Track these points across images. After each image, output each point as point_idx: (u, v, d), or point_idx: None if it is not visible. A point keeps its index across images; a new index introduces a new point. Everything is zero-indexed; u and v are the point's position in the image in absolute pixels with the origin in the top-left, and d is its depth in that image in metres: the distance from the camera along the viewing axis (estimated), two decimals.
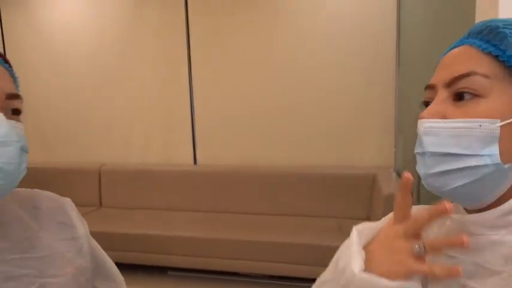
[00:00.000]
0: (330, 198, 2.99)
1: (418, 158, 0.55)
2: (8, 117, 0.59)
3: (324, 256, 0.79)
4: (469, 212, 0.56)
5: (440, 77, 0.55)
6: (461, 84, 0.52)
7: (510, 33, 0.51)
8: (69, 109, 3.65)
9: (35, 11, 3.55)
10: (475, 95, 0.51)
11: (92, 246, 0.79)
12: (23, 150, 0.60)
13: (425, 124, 0.53)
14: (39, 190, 0.77)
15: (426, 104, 0.58)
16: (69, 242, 0.73)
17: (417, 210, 0.59)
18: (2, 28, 3.65)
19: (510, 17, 0.56)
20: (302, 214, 3.03)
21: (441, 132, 0.52)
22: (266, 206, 3.14)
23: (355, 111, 3.02)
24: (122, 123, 3.52)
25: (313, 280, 0.68)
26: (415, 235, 0.51)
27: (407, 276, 0.49)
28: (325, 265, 0.71)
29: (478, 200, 0.53)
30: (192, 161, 3.45)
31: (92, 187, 3.46)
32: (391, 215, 0.58)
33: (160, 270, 2.87)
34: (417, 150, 0.55)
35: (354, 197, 2.93)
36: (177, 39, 3.32)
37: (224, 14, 3.20)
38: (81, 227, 0.77)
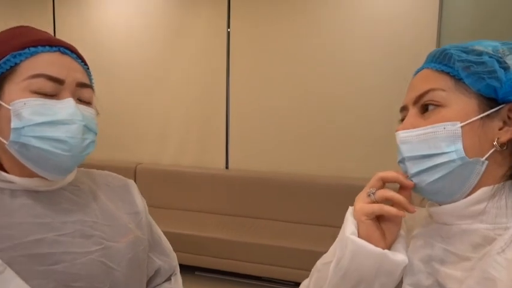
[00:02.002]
0: None
1: (400, 165, 0.66)
2: (78, 103, 0.69)
3: None
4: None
5: (409, 97, 0.66)
6: (425, 99, 0.63)
7: (455, 52, 0.62)
8: (109, 108, 3.76)
9: (87, 11, 3.73)
10: (437, 106, 0.61)
11: (150, 222, 0.91)
12: (88, 128, 0.69)
13: (401, 135, 0.64)
14: (109, 172, 0.90)
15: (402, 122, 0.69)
16: (130, 215, 0.84)
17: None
18: (54, 27, 3.85)
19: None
20: (334, 225, 3.01)
21: (413, 139, 0.62)
22: (296, 214, 3.14)
23: (391, 121, 2.96)
24: (159, 124, 3.62)
25: None
26: (373, 186, 0.65)
27: (366, 216, 0.63)
28: None
29: (451, 195, 0.61)
30: (224, 165, 3.51)
31: None
32: None
33: (188, 269, 2.93)
34: (398, 159, 0.65)
35: None
36: (217, 45, 3.39)
37: (264, 22, 3.25)
38: (141, 204, 0.88)
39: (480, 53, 0.60)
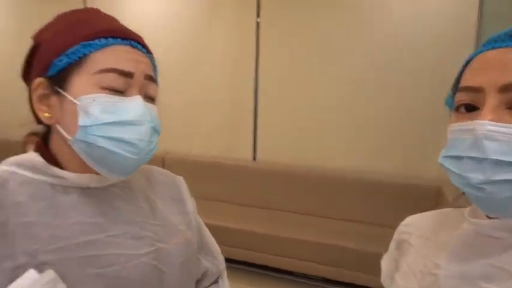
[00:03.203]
0: (388, 207, 2.87)
1: (469, 162, 0.51)
2: (144, 100, 0.65)
3: (378, 264, 0.79)
4: (489, 218, 0.56)
5: (490, 79, 0.51)
6: None
7: None
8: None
9: (117, 6, 3.77)
10: None
11: (199, 223, 0.86)
12: (155, 130, 0.66)
13: (489, 127, 0.49)
14: (157, 167, 0.85)
15: (467, 106, 0.54)
16: (180, 215, 0.79)
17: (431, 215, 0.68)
18: None
19: None
20: (358, 220, 2.95)
21: (504, 138, 0.48)
22: (322, 208, 3.09)
23: (424, 119, 2.87)
24: (188, 113, 3.63)
25: None
26: None
27: None
28: (379, 273, 0.73)
29: None
30: (251, 157, 3.49)
31: None
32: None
33: None
34: (471, 154, 0.50)
35: (415, 208, 2.78)
36: (246, 35, 3.36)
37: (294, 11, 3.19)
38: (191, 204, 0.84)
39: None
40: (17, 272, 0.55)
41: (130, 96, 0.63)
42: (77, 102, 0.60)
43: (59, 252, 0.59)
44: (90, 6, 0.71)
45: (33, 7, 4.17)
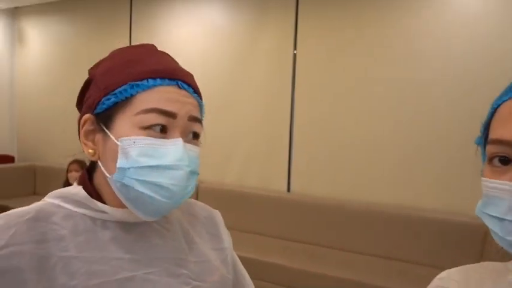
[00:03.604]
0: (431, 245, 2.73)
1: (511, 225, 0.48)
2: (186, 141, 0.64)
3: None
4: None
5: None
6: None
7: None
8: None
9: (160, 36, 3.94)
10: None
11: (234, 259, 0.84)
12: (193, 173, 0.64)
13: None
14: (195, 200, 0.84)
15: (501, 159, 0.50)
16: (216, 251, 0.78)
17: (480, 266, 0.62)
18: None
19: None
20: (398, 258, 2.82)
21: None
22: (358, 244, 2.99)
23: (469, 150, 2.74)
24: (224, 144, 3.67)
25: None
26: None
27: None
28: None
29: None
30: (285, 188, 3.45)
31: None
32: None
33: None
34: (504, 216, 0.48)
35: (461, 247, 2.63)
36: (283, 67, 3.41)
37: (331, 44, 3.21)
38: (227, 239, 0.83)
39: None
40: None
41: (171, 137, 0.62)
42: (119, 143, 0.61)
43: (99, 287, 0.59)
44: (147, 43, 0.72)
45: (83, 39, 4.43)
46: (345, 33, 3.15)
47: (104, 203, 0.65)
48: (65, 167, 3.01)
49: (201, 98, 0.70)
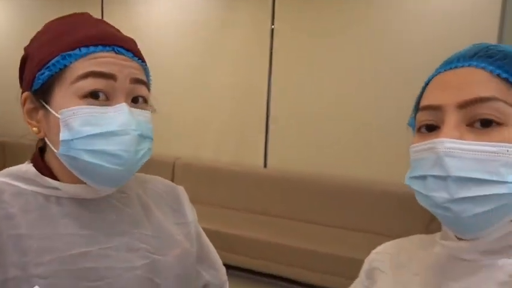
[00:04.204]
0: (398, 217, 2.83)
1: (433, 181, 0.51)
2: (133, 106, 0.63)
3: None
4: (460, 239, 0.55)
5: (449, 98, 0.51)
6: (483, 110, 0.49)
7: None
8: (151, 103, 3.86)
9: (134, 9, 3.82)
10: (498, 123, 0.48)
11: (199, 233, 0.84)
12: (143, 137, 0.63)
13: (447, 144, 0.49)
14: (157, 176, 0.84)
15: (428, 127, 0.54)
16: (178, 226, 0.78)
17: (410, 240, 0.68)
18: None
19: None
20: (372, 231, 2.91)
21: (465, 155, 0.48)
22: (332, 217, 3.06)
23: None
24: (200, 119, 3.65)
25: None
26: None
27: None
28: None
29: (486, 228, 0.50)
30: (262, 164, 3.49)
31: (166, 178, 3.61)
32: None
33: None
34: (434, 173, 0.50)
35: (420, 218, 2.73)
36: (260, 43, 3.37)
37: (309, 20, 3.19)
38: (191, 214, 0.82)
39: None
40: (7, 285, 0.55)
41: (115, 103, 0.60)
42: (59, 116, 0.59)
43: (50, 264, 0.58)
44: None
45: (51, 12, 4.25)
46: (323, 8, 3.14)
47: (58, 179, 0.64)
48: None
49: (144, 62, 0.68)
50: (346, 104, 3.13)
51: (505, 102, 0.48)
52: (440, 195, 0.50)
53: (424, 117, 0.55)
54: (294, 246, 2.72)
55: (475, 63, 0.52)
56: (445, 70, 0.55)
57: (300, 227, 3.02)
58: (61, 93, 0.60)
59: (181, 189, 0.85)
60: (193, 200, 0.89)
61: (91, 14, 0.71)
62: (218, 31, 3.53)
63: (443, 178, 0.49)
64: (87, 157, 0.59)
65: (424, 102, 0.55)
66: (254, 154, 3.49)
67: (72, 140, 0.58)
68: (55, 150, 0.61)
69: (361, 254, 0.79)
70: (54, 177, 0.64)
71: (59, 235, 0.61)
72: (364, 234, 2.88)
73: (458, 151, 0.48)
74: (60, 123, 0.59)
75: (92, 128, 0.58)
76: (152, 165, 0.87)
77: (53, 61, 0.60)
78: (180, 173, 3.58)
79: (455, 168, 0.48)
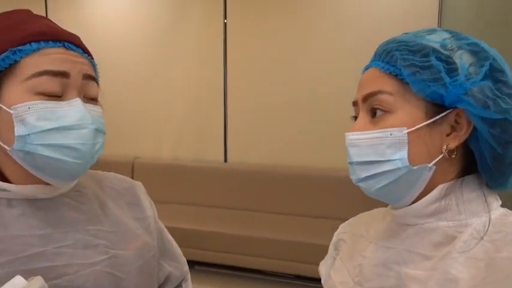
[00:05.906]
0: (356, 202, 2.93)
1: (349, 166, 0.63)
2: (85, 101, 0.64)
3: None
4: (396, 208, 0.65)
5: (359, 94, 0.64)
6: (373, 102, 0.60)
7: (400, 54, 0.58)
8: (106, 101, 3.73)
9: (80, 5, 3.67)
10: (385, 111, 0.59)
11: (160, 228, 0.87)
12: (98, 131, 0.65)
13: (350, 137, 0.62)
14: (115, 173, 0.85)
15: (355, 118, 0.66)
16: (138, 220, 0.80)
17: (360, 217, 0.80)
18: None
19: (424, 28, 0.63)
20: (333, 217, 2.99)
21: (362, 143, 0.60)
22: (295, 207, 3.13)
23: None
24: (157, 117, 3.59)
25: None
26: None
27: None
28: None
29: (399, 199, 0.61)
30: (222, 159, 3.49)
31: None
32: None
33: (187, 264, 2.91)
34: (348, 160, 0.63)
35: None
36: (214, 37, 3.36)
37: (262, 13, 3.21)
38: (149, 208, 0.84)
39: (427, 53, 0.57)
40: None
41: (68, 99, 0.61)
42: (12, 111, 0.58)
43: (5, 266, 0.58)
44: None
45: None
46: (275, 3, 3.16)
47: (7, 181, 0.63)
48: None
49: (93, 58, 0.70)
50: (301, 97, 3.18)
51: (390, 94, 0.59)
52: (352, 177, 0.63)
53: (355, 112, 0.67)
54: (260, 237, 2.76)
55: (375, 63, 0.62)
56: (363, 72, 0.66)
57: (263, 218, 3.07)
58: (12, 89, 0.59)
59: (138, 184, 0.87)
60: (155, 200, 0.90)
61: (34, 8, 0.70)
62: (170, 26, 3.47)
63: (351, 164, 0.62)
64: (45, 151, 0.59)
65: (353, 99, 0.66)
66: (214, 149, 3.49)
67: (28, 135, 0.58)
68: (7, 148, 0.60)
69: (326, 240, 0.84)
70: (4, 178, 0.63)
71: (11, 237, 0.60)
72: (326, 221, 2.95)
73: (357, 141, 0.61)
74: (14, 119, 0.58)
75: (49, 122, 0.59)
76: (111, 166, 0.87)
77: (2, 56, 0.59)
78: (139, 172, 3.52)
79: (355, 155, 0.61)
